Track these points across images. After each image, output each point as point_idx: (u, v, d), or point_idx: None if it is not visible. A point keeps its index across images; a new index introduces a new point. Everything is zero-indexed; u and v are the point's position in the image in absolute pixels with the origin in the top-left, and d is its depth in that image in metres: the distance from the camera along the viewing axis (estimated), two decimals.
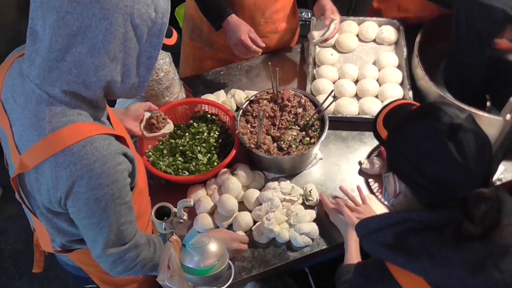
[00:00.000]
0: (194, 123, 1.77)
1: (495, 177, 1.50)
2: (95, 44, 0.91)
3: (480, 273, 0.88)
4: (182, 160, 1.67)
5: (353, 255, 1.39)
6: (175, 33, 1.31)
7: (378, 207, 1.56)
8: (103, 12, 0.88)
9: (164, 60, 1.63)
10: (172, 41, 1.14)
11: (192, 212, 1.60)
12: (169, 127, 1.55)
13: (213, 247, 1.07)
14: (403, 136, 0.99)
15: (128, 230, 1.13)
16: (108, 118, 1.16)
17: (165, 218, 1.04)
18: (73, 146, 0.96)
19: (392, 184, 1.04)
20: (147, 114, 1.54)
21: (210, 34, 2.03)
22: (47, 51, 0.92)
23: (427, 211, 0.95)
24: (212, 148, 1.70)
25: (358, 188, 1.62)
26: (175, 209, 1.05)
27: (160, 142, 1.74)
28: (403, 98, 1.85)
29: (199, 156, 1.66)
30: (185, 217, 1.06)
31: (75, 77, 0.94)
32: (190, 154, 1.67)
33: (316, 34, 1.88)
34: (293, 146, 1.63)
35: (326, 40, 1.85)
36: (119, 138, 1.10)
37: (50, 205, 1.06)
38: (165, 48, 1.13)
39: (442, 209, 0.93)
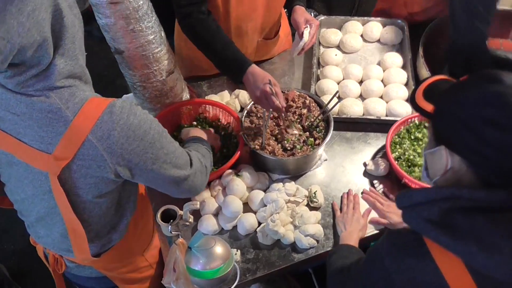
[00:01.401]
0: (198, 126, 1.76)
1: None
2: (58, 30, 0.96)
3: None
4: None
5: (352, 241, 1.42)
6: None
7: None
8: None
9: (168, 60, 1.62)
10: None
11: (196, 213, 1.58)
12: None
13: (219, 249, 1.07)
14: (461, 104, 0.89)
15: (182, 149, 1.24)
16: None
17: (171, 221, 1.03)
18: (102, 116, 1.00)
19: (443, 159, 0.94)
20: None
21: (209, 70, 1.96)
22: (28, 66, 0.94)
23: (481, 190, 0.87)
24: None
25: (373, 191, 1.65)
26: (181, 212, 1.04)
27: None
28: (407, 100, 1.84)
29: None
30: (191, 220, 1.06)
31: (64, 63, 0.99)
32: None
33: (293, 47, 1.79)
34: (298, 146, 1.62)
35: (303, 49, 1.74)
36: None
37: (102, 185, 1.10)
38: None
39: (499, 190, 0.85)
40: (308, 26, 1.72)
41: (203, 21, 1.61)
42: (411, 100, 1.05)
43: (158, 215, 1.03)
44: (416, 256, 0.93)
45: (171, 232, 1.02)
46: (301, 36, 1.71)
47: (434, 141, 0.97)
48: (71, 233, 1.20)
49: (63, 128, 1.00)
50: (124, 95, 1.95)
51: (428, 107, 0.99)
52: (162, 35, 1.55)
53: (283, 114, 1.64)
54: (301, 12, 1.77)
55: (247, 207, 1.60)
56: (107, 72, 3.45)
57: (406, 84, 1.89)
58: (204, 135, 1.55)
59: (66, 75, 1.00)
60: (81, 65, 1.06)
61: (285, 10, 1.96)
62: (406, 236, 0.97)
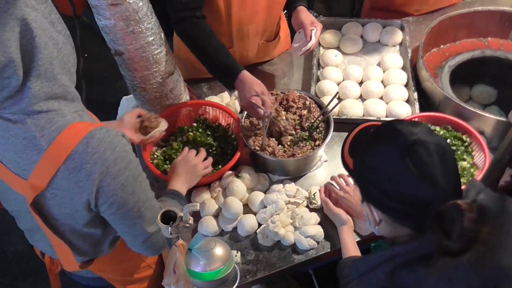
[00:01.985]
0: (200, 129, 1.77)
1: (501, 180, 1.49)
2: (30, 50, 0.89)
3: None
4: None
5: (350, 249, 1.40)
6: None
7: None
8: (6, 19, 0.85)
9: (168, 62, 1.62)
10: None
11: (196, 215, 1.59)
12: (163, 124, 1.55)
13: (219, 251, 1.06)
14: (365, 164, 0.98)
15: (156, 202, 1.18)
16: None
17: (171, 222, 1.03)
18: (77, 147, 0.95)
19: (370, 213, 1.02)
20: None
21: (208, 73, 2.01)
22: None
23: (412, 242, 0.92)
24: (215, 151, 1.70)
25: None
26: (181, 213, 1.04)
27: (165, 144, 1.74)
28: (408, 100, 1.84)
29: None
30: (191, 221, 1.05)
31: (39, 85, 0.92)
32: None
33: (298, 47, 1.75)
34: (298, 146, 1.62)
35: (308, 50, 1.72)
36: None
37: (77, 216, 1.06)
38: None
39: (428, 235, 0.88)
40: (314, 28, 1.71)
41: (197, 24, 1.61)
42: (341, 156, 1.12)
43: (158, 216, 1.03)
44: None
45: (171, 234, 1.02)
46: (309, 37, 1.70)
47: (361, 197, 1.05)
48: (56, 248, 1.18)
49: (36, 157, 0.96)
50: (124, 97, 1.95)
51: (351, 162, 1.06)
52: (162, 36, 1.55)
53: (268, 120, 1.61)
54: (306, 14, 1.76)
55: (247, 209, 1.60)
56: (107, 73, 3.46)
57: (406, 85, 1.89)
58: (185, 184, 1.45)
59: (44, 98, 0.94)
60: (63, 84, 0.98)
61: (284, 12, 1.96)
62: None
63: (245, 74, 1.57)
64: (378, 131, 1.00)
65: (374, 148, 0.96)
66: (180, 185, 1.43)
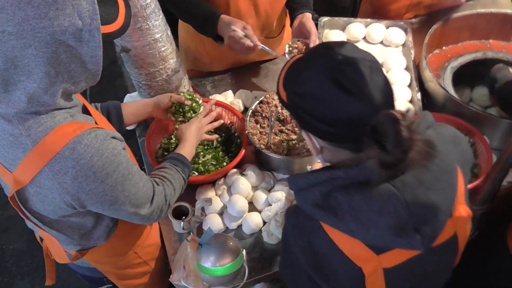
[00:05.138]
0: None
1: (505, 181, 1.50)
2: (31, 70, 0.89)
3: (403, 236, 0.89)
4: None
5: None
6: (121, 14, 1.04)
7: None
8: (22, 42, 0.86)
9: (174, 59, 1.63)
10: (115, 26, 1.01)
11: None
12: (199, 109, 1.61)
13: (229, 247, 1.07)
14: (295, 91, 0.96)
15: (147, 186, 1.16)
16: (88, 112, 1.13)
17: (183, 217, 1.03)
18: (63, 150, 0.95)
19: (310, 142, 1.00)
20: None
21: (211, 64, 2.03)
22: None
23: (353, 167, 0.91)
24: (219, 149, 1.70)
25: None
26: (193, 209, 1.04)
27: (167, 142, 1.74)
28: (411, 100, 1.85)
29: (206, 157, 1.65)
30: (203, 217, 1.06)
31: (27, 103, 0.92)
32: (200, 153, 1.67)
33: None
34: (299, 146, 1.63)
35: None
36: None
37: (61, 212, 1.07)
38: (112, 35, 1.02)
39: (369, 163, 0.88)
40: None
41: None
42: (277, 91, 1.05)
43: (170, 211, 1.03)
44: (313, 232, 0.98)
45: (183, 228, 1.02)
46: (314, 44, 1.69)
47: (298, 126, 1.01)
48: (46, 240, 1.19)
49: (21, 154, 0.97)
50: (128, 94, 1.94)
51: (285, 95, 1.02)
52: (169, 33, 1.56)
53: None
54: (312, 22, 1.73)
55: (252, 206, 1.60)
56: (107, 72, 3.44)
57: (410, 86, 1.90)
58: (193, 145, 1.48)
59: (32, 110, 0.95)
60: (60, 103, 0.98)
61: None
62: (301, 216, 1.01)
63: (224, 17, 1.62)
64: (304, 58, 0.98)
65: (301, 75, 0.94)
66: (189, 148, 1.44)
